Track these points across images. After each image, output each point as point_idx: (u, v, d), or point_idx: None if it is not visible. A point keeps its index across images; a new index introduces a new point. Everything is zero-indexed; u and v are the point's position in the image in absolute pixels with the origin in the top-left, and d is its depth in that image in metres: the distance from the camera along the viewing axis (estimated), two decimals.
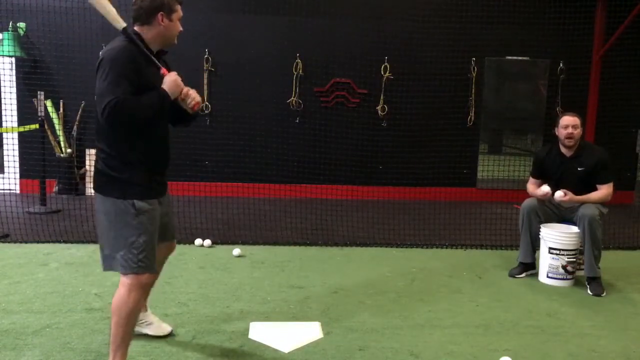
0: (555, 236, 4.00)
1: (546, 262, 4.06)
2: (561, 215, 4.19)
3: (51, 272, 4.00)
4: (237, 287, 3.81)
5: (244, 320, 3.23)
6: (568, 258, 3.99)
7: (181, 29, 2.52)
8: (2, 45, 6.74)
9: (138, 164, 2.40)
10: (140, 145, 2.40)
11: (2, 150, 7.08)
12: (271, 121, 7.26)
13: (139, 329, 2.86)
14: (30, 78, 6.87)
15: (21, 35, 6.94)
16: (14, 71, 7.11)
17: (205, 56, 7.11)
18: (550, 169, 4.15)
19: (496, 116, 7.75)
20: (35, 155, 6.14)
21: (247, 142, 7.18)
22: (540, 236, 4.10)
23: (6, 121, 7.04)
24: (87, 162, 7.20)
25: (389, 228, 5.50)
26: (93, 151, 7.11)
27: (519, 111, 7.79)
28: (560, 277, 4.02)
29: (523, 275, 4.23)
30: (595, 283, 3.89)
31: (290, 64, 7.18)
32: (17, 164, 6.95)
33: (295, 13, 7.04)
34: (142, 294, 2.47)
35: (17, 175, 6.93)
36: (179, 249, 4.59)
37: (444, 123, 7.25)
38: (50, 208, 6.09)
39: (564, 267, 4.00)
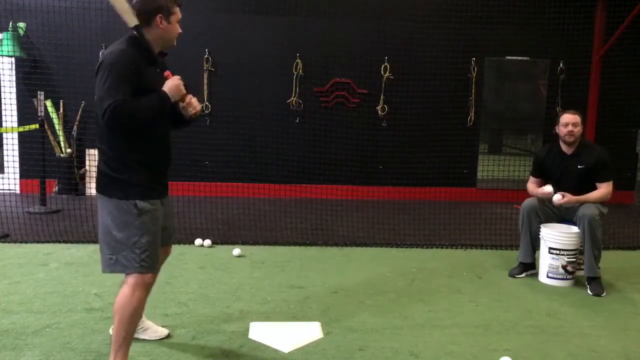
0: (555, 236, 4.00)
1: (546, 262, 4.06)
2: (561, 215, 4.19)
3: (51, 272, 4.00)
4: (237, 287, 3.80)
5: (244, 320, 3.23)
6: (568, 258, 3.99)
7: (180, 31, 2.53)
8: (2, 45, 6.74)
9: (139, 164, 2.41)
10: (142, 146, 2.41)
11: (2, 150, 7.08)
12: (271, 121, 7.25)
13: (136, 335, 2.85)
14: (30, 78, 6.87)
15: (21, 35, 6.94)
16: (14, 71, 7.11)
17: (205, 56, 7.11)
18: (551, 168, 4.15)
19: (496, 116, 7.75)
20: (35, 155, 6.14)
21: (247, 142, 7.19)
22: (540, 236, 4.10)
23: (6, 121, 7.04)
24: (87, 162, 7.20)
25: (389, 228, 5.50)
26: (93, 151, 7.12)
27: (519, 111, 7.79)
28: (560, 277, 4.02)
29: (523, 275, 4.23)
30: (595, 283, 3.89)
31: (290, 64, 7.18)
32: (17, 164, 6.95)
33: (295, 13, 7.04)
34: (145, 293, 2.49)
35: (17, 175, 6.93)
36: (179, 249, 4.63)
37: (444, 123, 7.25)
38: (50, 208, 6.09)
39: (564, 267, 4.00)
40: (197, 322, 3.18)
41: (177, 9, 2.48)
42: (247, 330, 3.09)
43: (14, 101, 7.02)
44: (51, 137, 6.88)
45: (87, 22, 6.62)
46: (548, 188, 4.06)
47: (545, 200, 4.13)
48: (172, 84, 2.44)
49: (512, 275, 4.22)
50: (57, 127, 7.02)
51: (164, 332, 2.97)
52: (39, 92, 6.13)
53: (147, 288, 2.49)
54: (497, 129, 7.93)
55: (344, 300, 3.61)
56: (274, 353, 2.83)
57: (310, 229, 5.47)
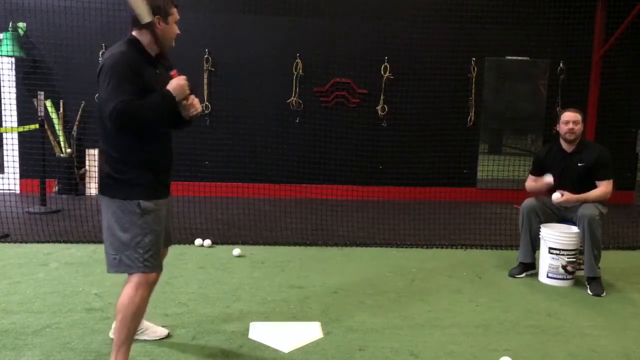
0: (555, 236, 4.00)
1: (546, 262, 4.06)
2: (561, 215, 4.19)
3: (51, 272, 4.00)
4: (237, 287, 3.81)
5: (244, 320, 3.23)
6: (568, 258, 3.99)
7: (178, 31, 2.55)
8: (2, 45, 6.74)
9: (142, 164, 2.43)
10: (144, 146, 2.43)
11: (2, 150, 7.08)
12: (271, 121, 7.25)
13: (135, 336, 2.85)
14: (30, 78, 6.87)
15: (21, 35, 6.94)
16: (14, 71, 7.11)
17: (205, 56, 7.11)
18: (551, 166, 4.16)
19: (496, 116, 7.75)
20: (35, 155, 6.14)
21: (247, 142, 7.19)
22: (540, 236, 4.10)
23: (6, 121, 7.04)
24: (87, 162, 7.20)
25: (389, 228, 5.50)
26: (93, 151, 7.12)
27: (519, 111, 7.79)
28: (560, 277, 4.02)
29: (523, 275, 4.23)
30: (595, 283, 3.89)
31: (290, 64, 7.18)
32: (17, 164, 6.95)
33: (295, 13, 7.04)
34: (148, 292, 2.50)
35: (17, 175, 6.93)
36: (179, 249, 4.63)
37: (444, 123, 7.25)
38: (50, 208, 6.09)
39: (564, 267, 4.00)
40: (197, 322, 3.18)
41: (174, 10, 2.50)
42: (247, 330, 3.09)
43: (14, 101, 7.02)
44: (51, 137, 6.88)
45: (87, 22, 6.62)
46: (548, 177, 4.06)
47: (544, 194, 4.11)
48: (177, 83, 2.46)
49: (512, 275, 4.22)
50: (57, 127, 7.02)
51: (164, 332, 2.97)
52: (39, 92, 6.13)
53: (150, 287, 2.51)
54: (497, 129, 7.93)
55: (344, 300, 3.61)
56: (274, 353, 2.83)
57: (310, 229, 5.46)
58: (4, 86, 7.13)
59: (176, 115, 2.58)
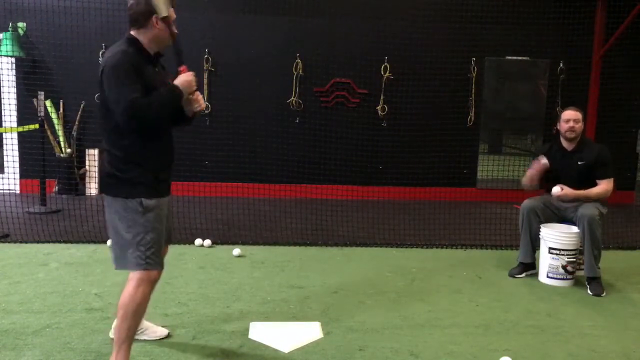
0: (555, 236, 4.00)
1: (546, 262, 4.06)
2: (561, 215, 4.19)
3: (51, 272, 4.00)
4: (237, 287, 3.80)
5: (244, 320, 3.23)
6: (568, 258, 3.99)
7: (176, 31, 2.56)
8: (2, 45, 6.74)
9: (144, 163, 2.45)
10: (146, 144, 2.45)
11: (2, 150, 7.08)
12: (271, 121, 7.25)
13: (135, 336, 2.85)
14: (30, 78, 6.87)
15: (21, 35, 6.94)
16: (14, 71, 7.11)
17: (205, 56, 7.11)
18: (552, 165, 4.15)
19: (496, 116, 7.75)
20: (35, 155, 6.14)
21: (247, 142, 7.19)
22: (540, 236, 4.10)
23: (6, 121, 7.04)
24: (87, 162, 7.20)
25: (389, 228, 5.50)
26: (93, 151, 7.12)
27: (519, 111, 7.80)
28: (560, 277, 4.02)
29: (523, 275, 4.23)
30: (595, 283, 3.89)
31: (290, 64, 7.18)
32: (17, 164, 6.95)
33: (295, 13, 7.04)
34: (150, 289, 2.52)
35: (17, 175, 6.93)
36: (179, 249, 4.63)
37: (444, 123, 7.25)
38: (50, 208, 6.08)
39: (564, 267, 4.00)
40: (197, 322, 3.18)
41: (171, 10, 2.52)
42: (247, 330, 3.09)
43: (14, 101, 7.03)
44: (51, 137, 6.88)
45: (87, 22, 6.62)
46: (542, 159, 4.05)
47: (541, 184, 4.08)
48: (184, 78, 2.50)
49: (512, 275, 4.22)
50: (57, 127, 7.02)
51: (164, 332, 2.97)
52: (38, 92, 6.13)
53: (151, 285, 2.52)
54: (497, 129, 7.93)
55: (344, 300, 3.61)
56: (274, 353, 2.83)
57: (310, 229, 5.46)
58: (4, 86, 7.13)
59: (178, 111, 2.60)
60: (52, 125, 6.96)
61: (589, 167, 4.01)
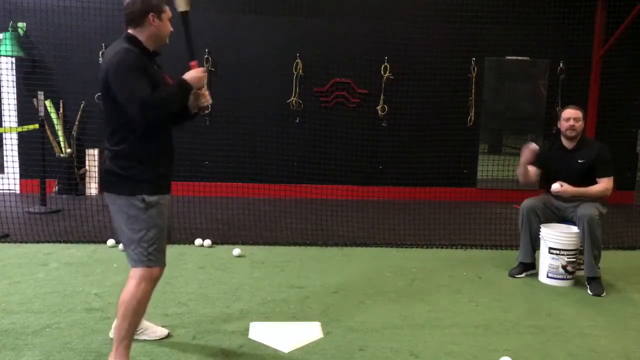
0: (555, 236, 4.00)
1: (546, 262, 4.06)
2: (561, 215, 4.19)
3: (51, 272, 4.00)
4: (237, 287, 3.80)
5: (244, 320, 3.23)
6: (568, 258, 3.99)
7: (171, 29, 2.58)
8: (2, 45, 6.74)
9: (147, 160, 2.47)
10: (149, 143, 2.47)
11: (2, 150, 7.08)
12: (271, 121, 7.25)
13: (135, 336, 2.85)
14: (30, 78, 6.87)
15: (21, 35, 6.94)
16: (14, 71, 7.11)
17: (205, 56, 7.11)
18: (552, 162, 4.16)
19: (496, 116, 7.75)
20: (35, 155, 6.13)
21: (247, 142, 7.18)
22: (540, 236, 4.10)
23: (6, 121, 7.04)
24: (87, 162, 7.20)
25: (389, 228, 5.50)
26: (92, 151, 7.12)
27: (519, 111, 7.79)
28: (560, 277, 4.02)
29: (523, 275, 4.23)
30: (595, 283, 3.89)
31: (290, 64, 7.18)
32: (17, 164, 6.95)
33: (295, 13, 7.04)
34: (151, 287, 2.52)
35: (17, 175, 6.93)
36: (179, 249, 4.63)
37: (444, 123, 7.25)
38: (50, 208, 6.08)
39: (564, 267, 4.00)
40: (197, 322, 3.18)
41: (167, 8, 2.54)
42: (247, 330, 3.08)
43: (14, 101, 7.02)
44: (51, 137, 6.88)
45: (86, 22, 6.62)
46: (532, 145, 4.03)
47: (530, 162, 4.04)
48: (194, 74, 2.53)
49: (512, 275, 4.22)
50: (57, 127, 7.02)
51: (164, 332, 2.97)
52: (38, 92, 6.12)
53: (153, 282, 2.53)
54: (497, 129, 7.93)
55: (344, 300, 3.61)
56: (274, 353, 2.83)
57: (310, 229, 5.46)
58: (4, 86, 7.13)
59: (181, 108, 2.62)
60: (52, 125, 6.96)
61: (589, 165, 4.01)
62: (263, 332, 3.05)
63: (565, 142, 4.13)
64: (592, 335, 3.16)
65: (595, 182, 4.02)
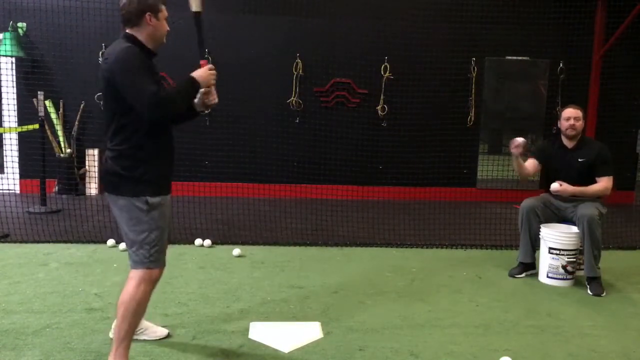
0: (555, 236, 4.00)
1: (546, 262, 4.06)
2: (561, 215, 4.19)
3: (51, 272, 4.00)
4: (237, 287, 3.80)
5: (244, 320, 3.23)
6: (568, 258, 3.99)
7: (168, 28, 2.59)
8: (2, 45, 6.74)
9: (149, 160, 2.47)
10: (151, 142, 2.47)
11: (2, 150, 7.08)
12: (271, 121, 7.25)
13: (135, 336, 2.85)
14: (30, 78, 6.88)
15: (21, 35, 6.94)
16: (14, 71, 7.11)
17: (206, 56, 7.08)
18: (552, 161, 4.16)
19: (496, 116, 7.75)
20: (35, 155, 6.13)
21: (246, 142, 7.18)
22: (540, 236, 4.10)
23: (6, 121, 7.04)
24: (87, 162, 7.20)
25: (389, 228, 5.50)
26: (92, 151, 7.12)
27: (519, 111, 7.79)
28: (560, 277, 4.02)
29: (523, 275, 4.23)
30: (595, 283, 3.89)
31: (290, 64, 7.19)
32: (17, 164, 6.95)
33: (295, 13, 7.04)
34: (150, 288, 2.52)
35: (17, 175, 6.93)
36: (179, 249, 4.63)
37: (444, 123, 7.25)
38: (50, 208, 6.09)
39: (564, 267, 4.00)
40: (197, 322, 3.18)
41: (163, 7, 2.54)
42: (247, 330, 3.08)
43: (14, 101, 7.02)
44: (51, 137, 6.88)
45: (86, 22, 6.62)
46: (519, 139, 4.00)
47: (523, 152, 4.01)
48: (203, 73, 2.55)
49: (512, 275, 4.22)
50: (57, 127, 7.02)
51: (164, 332, 2.97)
52: (38, 92, 6.12)
53: (153, 284, 2.53)
54: (497, 129, 7.92)
55: (344, 300, 3.61)
56: (274, 353, 2.83)
57: (310, 229, 5.46)
58: (4, 86, 7.13)
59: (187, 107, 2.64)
60: (52, 125, 6.96)
61: (589, 165, 4.02)
62: (263, 332, 3.05)
63: (565, 142, 4.13)
64: (592, 335, 3.16)
65: (595, 182, 4.02)
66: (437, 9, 7.07)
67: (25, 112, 6.85)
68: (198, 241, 4.86)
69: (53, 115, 6.99)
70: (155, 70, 2.48)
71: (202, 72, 2.55)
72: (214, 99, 2.64)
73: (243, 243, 4.95)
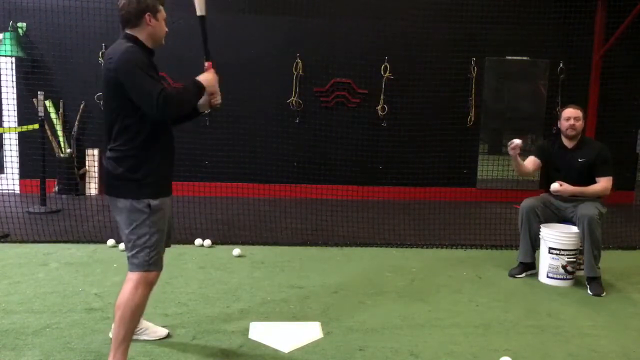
0: (555, 236, 4.00)
1: (546, 262, 4.06)
2: (561, 215, 4.19)
3: (51, 272, 4.00)
4: (237, 287, 3.80)
5: (244, 320, 3.23)
6: (568, 258, 3.99)
7: (167, 29, 2.60)
8: (2, 45, 6.74)
9: (152, 162, 2.47)
10: (154, 143, 2.47)
11: (2, 150, 7.08)
12: (271, 121, 7.25)
13: (135, 336, 2.85)
14: (30, 78, 6.87)
15: (21, 35, 6.94)
16: (14, 71, 7.11)
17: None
18: (552, 159, 4.16)
19: (496, 116, 7.75)
20: (35, 155, 6.14)
21: (246, 142, 7.18)
22: (540, 236, 4.10)
23: (6, 121, 7.04)
24: (87, 162, 7.21)
25: (389, 228, 5.50)
26: (92, 151, 7.12)
27: (519, 111, 7.79)
28: (560, 277, 4.02)
29: (523, 275, 4.23)
30: (595, 283, 3.89)
31: (290, 64, 7.18)
32: (17, 164, 6.95)
33: (295, 13, 7.04)
34: (148, 291, 2.52)
35: (17, 175, 6.93)
36: (179, 249, 4.63)
37: (444, 123, 7.25)
38: (50, 208, 6.08)
39: (564, 267, 4.00)
40: (197, 322, 3.18)
41: (161, 8, 2.55)
42: (247, 330, 3.08)
43: (14, 101, 7.02)
44: (51, 137, 6.88)
45: (86, 22, 6.61)
46: (516, 140, 3.99)
47: (520, 151, 4.02)
48: (208, 76, 2.60)
49: (512, 275, 4.22)
50: (57, 127, 7.02)
51: (164, 332, 2.97)
52: (38, 92, 6.12)
53: (150, 286, 2.52)
54: (497, 129, 7.93)
55: (344, 300, 3.61)
56: (274, 353, 2.83)
57: (310, 229, 5.46)
58: (4, 86, 7.13)
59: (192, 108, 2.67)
60: (52, 125, 6.96)
61: (590, 164, 4.02)
62: (263, 332, 3.05)
63: (565, 142, 4.13)
64: (592, 335, 3.16)
65: (595, 182, 4.02)
66: (437, 9, 7.07)
67: (25, 112, 6.85)
68: (198, 241, 4.86)
69: (53, 115, 6.99)
70: (157, 70, 2.49)
71: (207, 76, 2.58)
72: (217, 101, 2.68)
73: (243, 243, 4.95)
